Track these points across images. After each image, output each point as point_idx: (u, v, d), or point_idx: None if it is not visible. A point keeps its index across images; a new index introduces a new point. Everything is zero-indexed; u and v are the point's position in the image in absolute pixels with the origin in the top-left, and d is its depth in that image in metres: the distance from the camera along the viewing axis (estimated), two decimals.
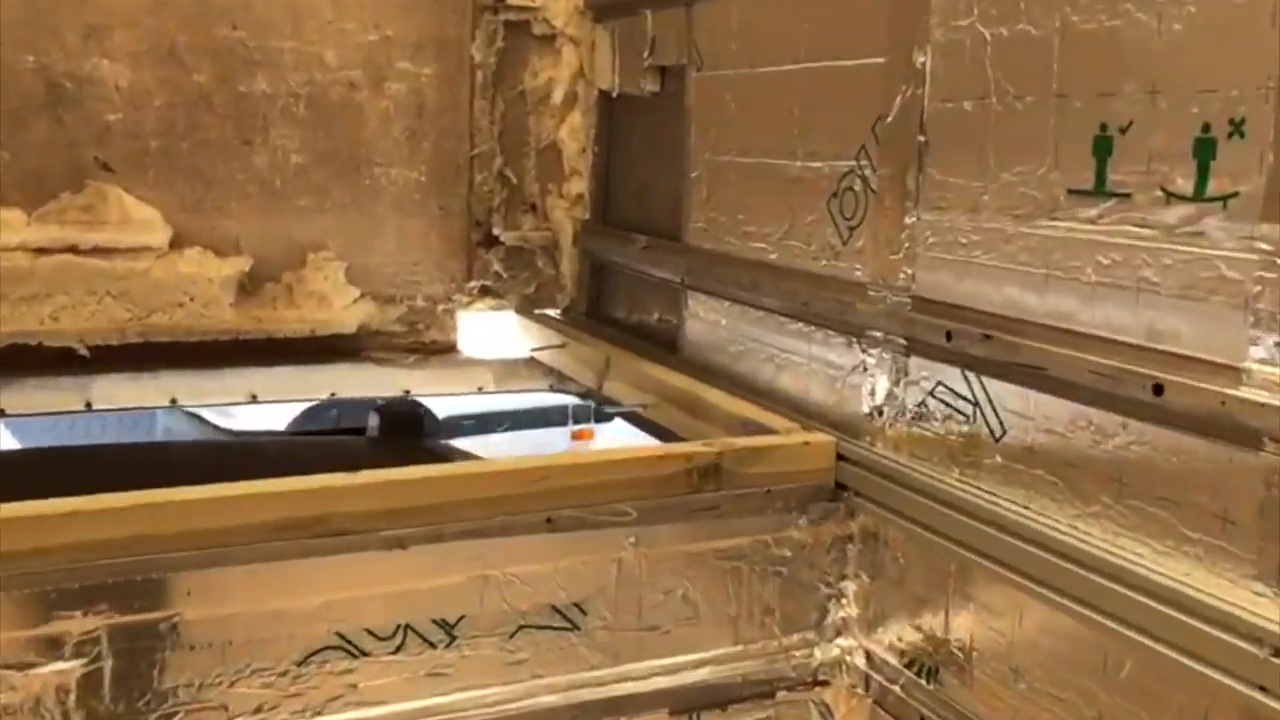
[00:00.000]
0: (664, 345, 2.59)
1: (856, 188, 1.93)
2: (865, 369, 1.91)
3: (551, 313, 3.12)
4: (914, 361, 1.79)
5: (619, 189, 2.91)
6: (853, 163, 1.92)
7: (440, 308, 3.05)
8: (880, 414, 1.87)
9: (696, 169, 2.43)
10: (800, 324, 2.09)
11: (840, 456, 1.90)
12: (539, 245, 3.09)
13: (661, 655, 1.81)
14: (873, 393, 1.89)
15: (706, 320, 2.41)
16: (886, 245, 1.84)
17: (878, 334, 1.86)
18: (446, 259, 3.02)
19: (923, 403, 1.76)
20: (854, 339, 1.94)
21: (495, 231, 3.04)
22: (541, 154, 3.06)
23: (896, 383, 1.83)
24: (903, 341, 1.81)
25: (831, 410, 1.99)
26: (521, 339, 3.06)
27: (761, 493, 1.85)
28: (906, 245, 1.80)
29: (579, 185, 3.01)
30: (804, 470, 1.89)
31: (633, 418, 2.46)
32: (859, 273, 1.93)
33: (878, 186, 1.87)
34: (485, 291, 3.07)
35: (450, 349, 3.08)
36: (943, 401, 1.73)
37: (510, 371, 3.12)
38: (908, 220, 1.78)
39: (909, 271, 1.79)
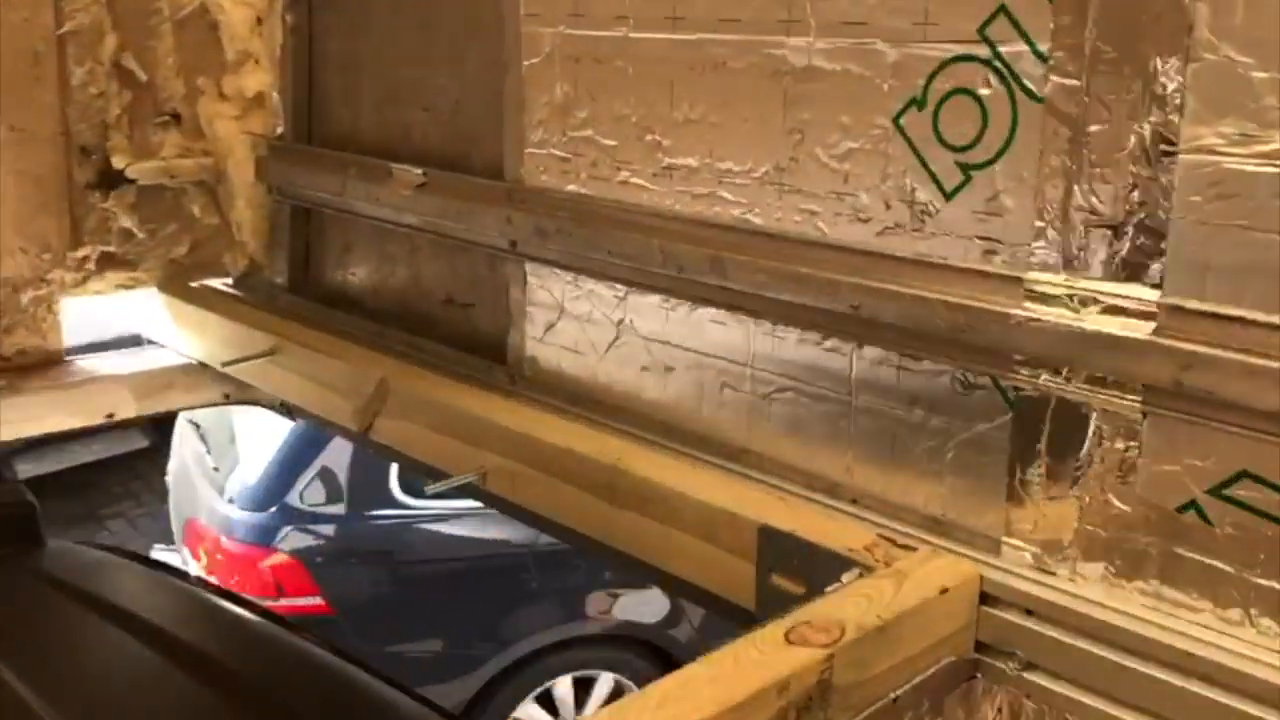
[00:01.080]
0: (474, 351, 1.56)
1: (982, 90, 1.02)
2: (1004, 421, 1.04)
3: (220, 284, 1.96)
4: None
5: (347, 82, 1.78)
6: (974, 43, 1.01)
7: (26, 296, 1.80)
8: (1034, 490, 1.01)
9: (538, 51, 1.40)
10: (829, 338, 1.17)
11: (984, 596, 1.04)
12: (192, 180, 1.90)
13: None
14: (1022, 461, 1.03)
15: (575, 317, 1.42)
16: (1063, 204, 0.96)
17: (1044, 372, 0.99)
18: (33, 215, 1.77)
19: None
20: (971, 373, 1.06)
21: (116, 163, 1.81)
22: (183, 27, 1.85)
23: (1072, 448, 0.98)
24: (1129, 395, 0.95)
25: (920, 493, 1.12)
26: (179, 333, 1.88)
27: (888, 704, 0.95)
28: (1133, 200, 0.93)
29: (257, 79, 1.84)
30: (940, 640, 1.01)
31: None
32: (981, 251, 1.03)
33: (1051, 90, 0.97)
34: (107, 262, 1.85)
35: (50, 360, 1.84)
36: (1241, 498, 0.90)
37: (160, 385, 1.93)
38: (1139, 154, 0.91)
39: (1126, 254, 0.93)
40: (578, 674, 4.11)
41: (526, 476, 1.34)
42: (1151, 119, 0.91)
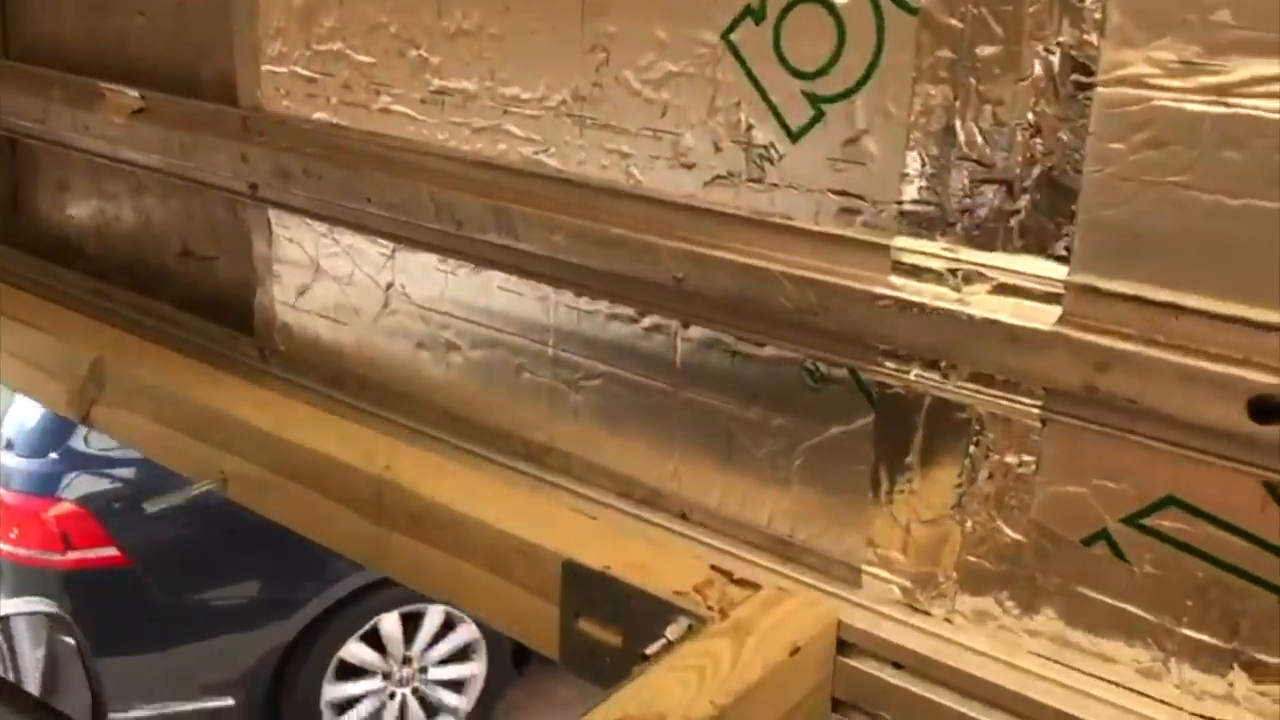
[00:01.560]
0: (219, 317, 1.27)
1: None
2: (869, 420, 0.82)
3: None
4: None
5: None
6: None
7: None
8: (903, 509, 0.81)
9: None
10: (646, 315, 0.92)
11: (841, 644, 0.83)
12: None
13: None
14: (889, 472, 0.81)
15: (333, 278, 1.14)
16: (942, 150, 0.74)
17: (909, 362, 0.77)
18: None
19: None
20: (824, 363, 0.83)
21: None
22: None
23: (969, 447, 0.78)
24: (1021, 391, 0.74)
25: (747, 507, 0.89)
26: None
27: None
28: (1034, 147, 0.70)
29: None
30: (787, 713, 0.79)
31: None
32: (838, 209, 0.80)
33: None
34: None
35: None
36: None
37: None
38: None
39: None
40: (404, 609, 3.90)
41: (275, 486, 1.07)
42: (1061, 38, 0.68)
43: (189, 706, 3.62)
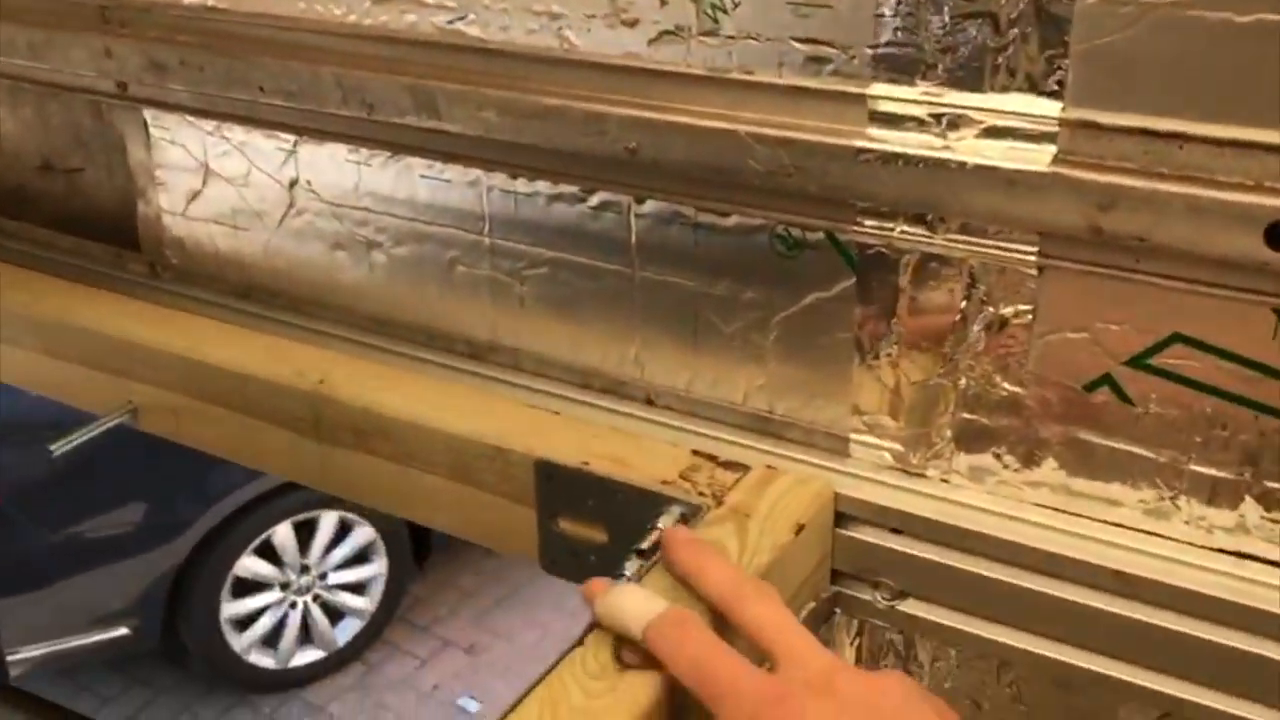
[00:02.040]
0: (95, 235, 1.15)
1: None
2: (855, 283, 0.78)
3: None
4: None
5: None
6: None
7: None
8: (889, 372, 0.78)
9: None
10: (594, 193, 0.85)
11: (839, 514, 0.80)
12: None
13: None
14: (872, 336, 0.78)
15: (227, 180, 1.03)
16: None
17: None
18: None
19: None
20: (798, 228, 0.78)
21: None
22: None
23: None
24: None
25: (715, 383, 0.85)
26: None
27: None
28: None
29: None
30: (795, 592, 0.76)
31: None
32: (804, 59, 0.74)
33: None
34: None
35: None
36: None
37: None
38: None
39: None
40: (296, 518, 3.84)
41: (194, 412, 0.98)
42: None
43: (82, 641, 3.50)
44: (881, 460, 0.81)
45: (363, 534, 3.93)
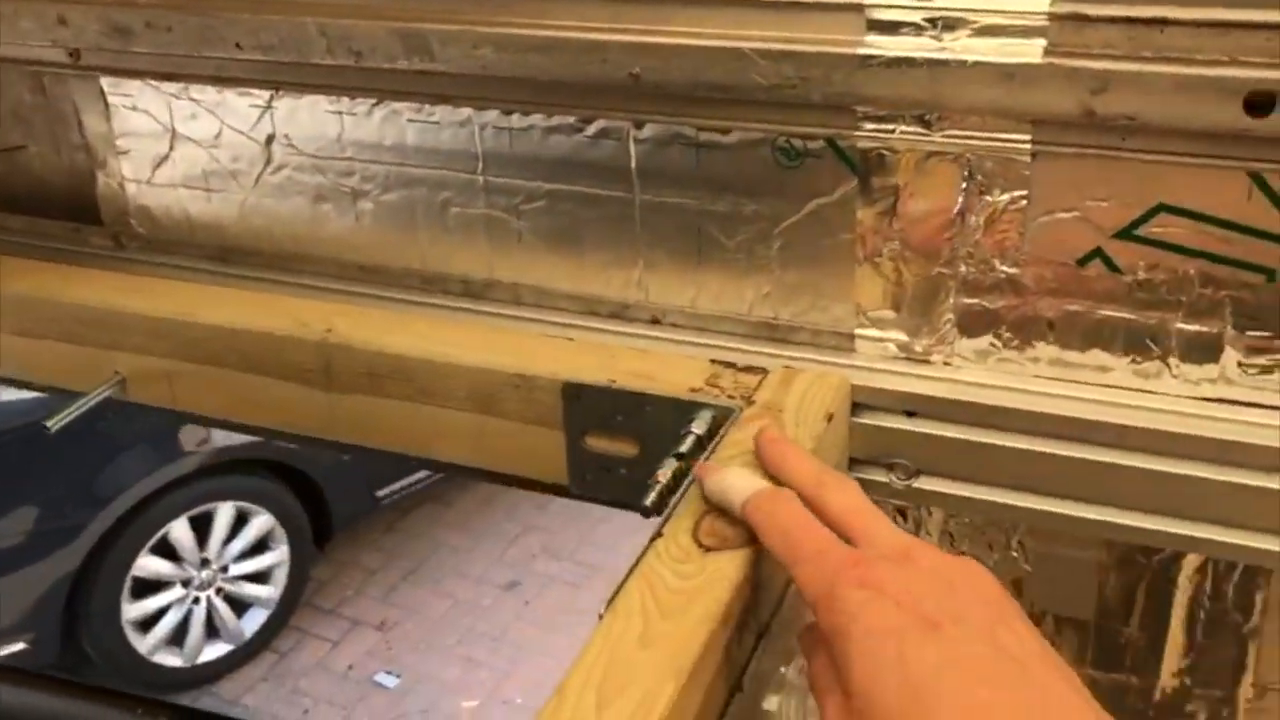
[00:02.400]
0: (43, 212, 1.12)
1: None
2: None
3: None
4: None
5: None
6: None
7: None
8: (889, 267, 0.83)
9: None
10: (593, 121, 0.88)
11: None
12: None
13: None
14: (874, 234, 0.83)
15: (195, 142, 1.02)
16: None
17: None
18: None
19: None
20: (799, 138, 0.83)
21: None
22: None
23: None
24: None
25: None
26: None
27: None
28: None
29: None
30: None
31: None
32: None
33: None
34: None
35: None
36: None
37: None
38: None
39: None
40: (192, 512, 3.76)
41: (189, 376, 0.98)
42: None
43: None
44: (887, 352, 0.86)
45: (261, 522, 3.87)
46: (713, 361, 0.87)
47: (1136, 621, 0.87)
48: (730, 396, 0.82)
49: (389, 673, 3.93)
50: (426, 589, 4.29)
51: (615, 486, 0.87)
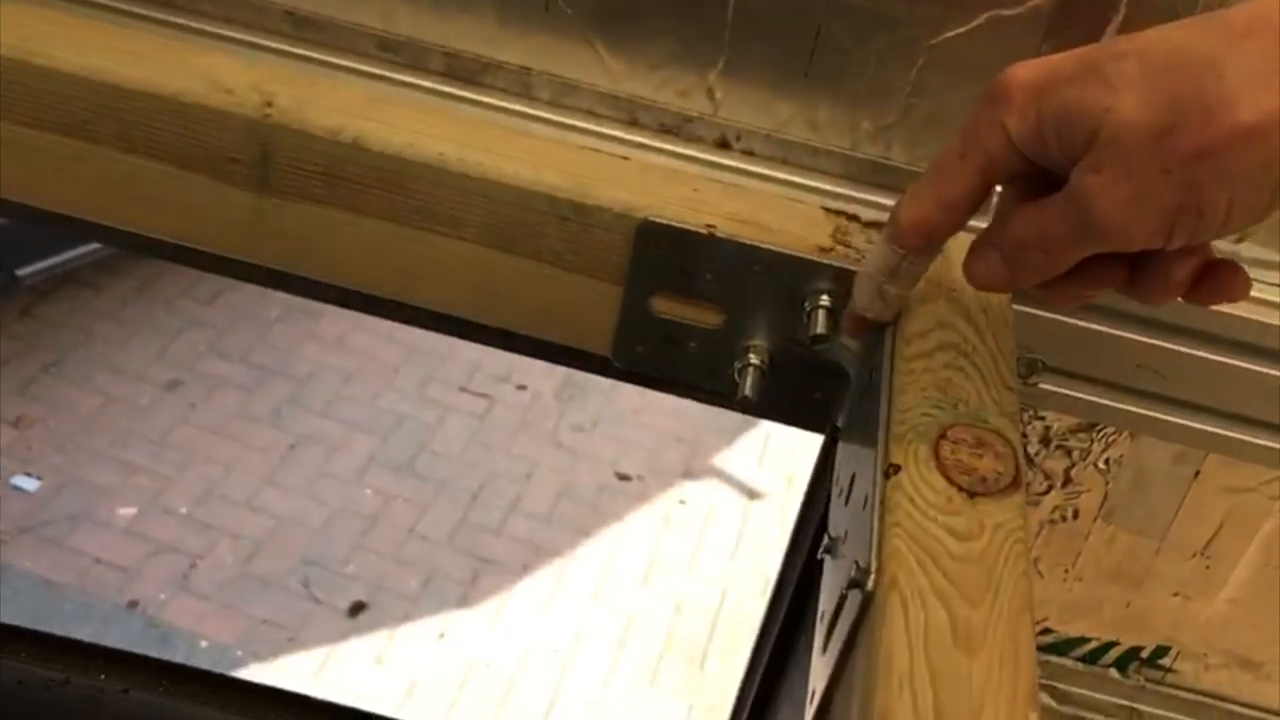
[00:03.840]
0: None
1: None
2: None
3: None
4: None
5: None
6: None
7: None
8: None
9: None
10: None
11: None
12: None
13: None
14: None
15: None
16: None
17: None
18: None
19: None
20: None
21: None
22: None
23: None
24: None
25: None
26: None
27: None
28: None
29: None
30: None
31: None
32: None
33: None
34: None
35: None
36: None
37: None
38: None
39: None
40: None
41: (25, 147, 0.64)
42: None
43: None
44: None
45: None
46: (828, 211, 0.66)
47: None
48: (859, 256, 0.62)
49: (29, 475, 3.44)
50: (72, 384, 3.76)
51: (678, 364, 0.66)
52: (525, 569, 3.23)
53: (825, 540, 0.55)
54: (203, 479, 3.55)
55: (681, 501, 3.44)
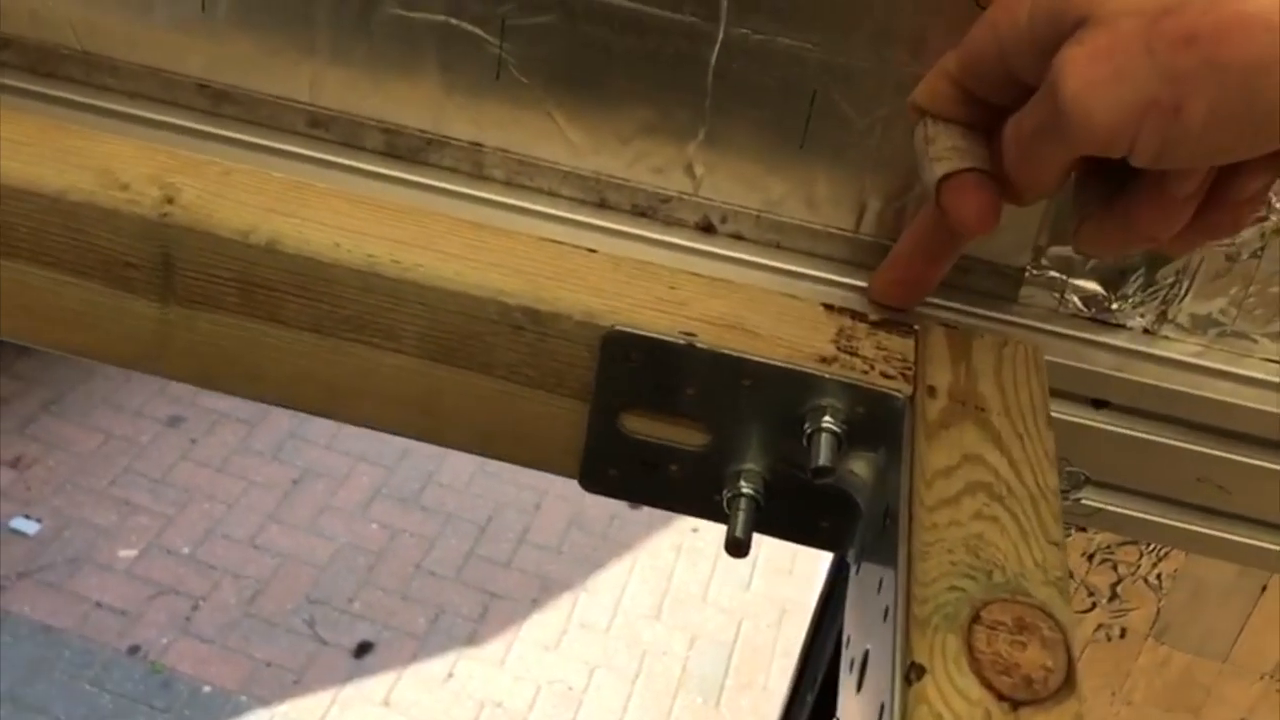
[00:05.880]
0: None
1: None
2: None
3: None
4: None
5: None
6: None
7: None
8: None
9: None
10: None
11: None
12: None
13: None
14: None
15: None
16: None
17: None
18: None
19: None
20: None
21: None
22: None
23: None
24: None
25: None
26: None
27: None
28: None
29: None
30: None
31: None
32: None
33: None
34: None
35: None
36: None
37: None
38: None
39: None
40: None
41: None
42: None
43: None
44: (1068, 307, 0.59)
45: None
46: (829, 308, 0.56)
47: None
48: (887, 375, 0.52)
49: (28, 517, 3.36)
50: (72, 422, 3.69)
51: (658, 490, 0.56)
52: (535, 604, 3.14)
53: None
54: (204, 517, 3.47)
55: (694, 530, 3.35)
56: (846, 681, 0.46)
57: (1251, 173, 0.43)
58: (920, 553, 0.42)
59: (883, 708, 0.38)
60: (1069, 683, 0.38)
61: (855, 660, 0.46)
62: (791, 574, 3.25)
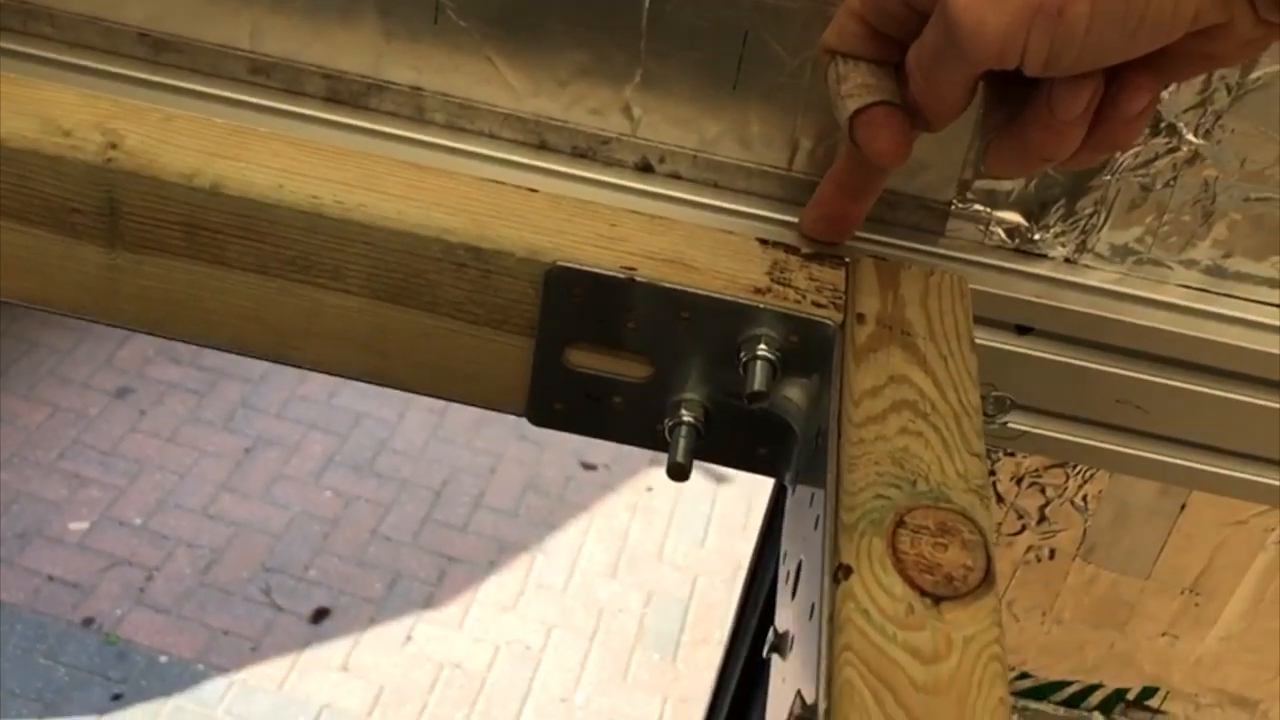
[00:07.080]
0: None
1: None
2: None
3: None
4: None
5: None
6: None
7: None
8: None
9: None
10: None
11: None
12: None
13: None
14: None
15: None
16: None
17: None
18: None
19: None
20: None
21: None
22: None
23: None
24: None
25: None
26: None
27: None
28: None
29: None
30: None
31: None
32: None
33: None
34: None
35: None
36: None
37: None
38: None
39: None
40: None
41: None
42: None
43: None
44: (992, 239, 0.61)
45: None
46: (764, 243, 0.58)
47: None
48: (818, 304, 0.54)
49: None
50: (18, 395, 3.64)
51: (603, 422, 0.58)
52: (492, 566, 3.15)
53: (771, 636, 0.47)
54: (156, 488, 3.45)
55: (649, 489, 3.37)
56: (783, 591, 0.48)
57: (1135, 90, 0.45)
58: (848, 465, 0.44)
59: (813, 607, 0.41)
60: (987, 580, 0.41)
61: (790, 572, 0.48)
62: (745, 529, 3.29)
